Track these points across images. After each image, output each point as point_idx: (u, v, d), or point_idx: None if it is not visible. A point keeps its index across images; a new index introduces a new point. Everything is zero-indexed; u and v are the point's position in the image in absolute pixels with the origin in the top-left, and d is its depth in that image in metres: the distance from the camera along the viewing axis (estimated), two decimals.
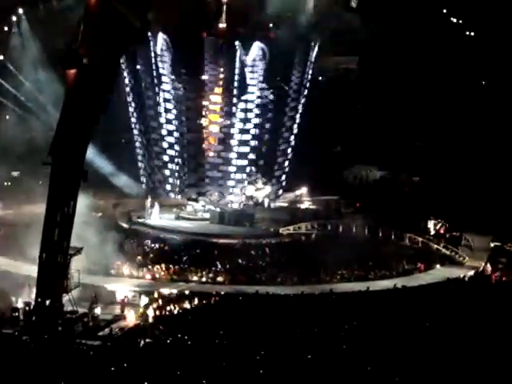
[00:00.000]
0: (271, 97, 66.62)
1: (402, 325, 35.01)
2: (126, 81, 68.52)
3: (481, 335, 32.70)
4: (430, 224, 59.71)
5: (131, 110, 69.74)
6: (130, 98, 69.35)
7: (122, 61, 61.91)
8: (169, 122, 67.30)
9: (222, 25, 65.23)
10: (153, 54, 65.95)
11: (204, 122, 66.72)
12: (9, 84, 68.31)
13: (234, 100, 65.91)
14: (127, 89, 69.08)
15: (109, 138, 63.34)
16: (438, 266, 51.77)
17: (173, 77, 65.97)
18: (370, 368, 28.93)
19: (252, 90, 65.84)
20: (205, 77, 65.46)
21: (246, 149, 67.11)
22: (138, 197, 66.40)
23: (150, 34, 62.14)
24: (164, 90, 66.66)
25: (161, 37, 64.65)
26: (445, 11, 72.30)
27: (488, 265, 51.09)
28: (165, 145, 68.32)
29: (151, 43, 65.00)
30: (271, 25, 63.83)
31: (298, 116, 69.29)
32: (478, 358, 29.75)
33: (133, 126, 70.50)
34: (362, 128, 73.24)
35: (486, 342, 31.74)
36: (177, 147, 67.64)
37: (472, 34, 72.55)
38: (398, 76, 71.48)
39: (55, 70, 50.71)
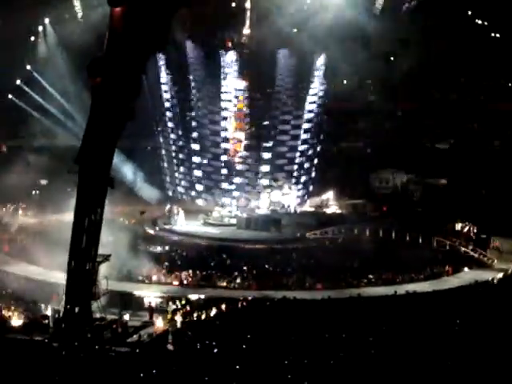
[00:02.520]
0: (295, 103, 66.59)
1: (431, 328, 34.80)
2: (152, 88, 68.91)
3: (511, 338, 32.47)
4: (458, 227, 59.34)
5: (157, 117, 70.15)
6: (155, 106, 69.76)
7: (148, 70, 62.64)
8: (194, 129, 67.55)
9: (246, 31, 65.38)
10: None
11: (230, 128, 66.88)
12: (36, 93, 69.01)
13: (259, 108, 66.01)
14: (153, 96, 69.49)
15: (133, 145, 63.89)
16: (466, 268, 51.37)
17: (199, 84, 66.30)
18: (400, 372, 28.81)
19: (276, 96, 65.84)
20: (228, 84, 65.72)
21: (272, 155, 67.17)
22: (159, 203, 66.62)
23: (177, 41, 62.42)
24: (190, 100, 67.02)
25: (188, 45, 65.07)
26: (470, 13, 71.98)
27: None
28: (190, 152, 68.58)
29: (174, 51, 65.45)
30: (295, 30, 63.87)
31: (322, 121, 69.22)
32: (509, 361, 29.53)
33: (158, 133, 70.90)
34: (388, 130, 73.13)
35: None
36: (203, 154, 67.84)
37: (498, 35, 72.13)
38: (424, 77, 71.25)
39: (81, 79, 51.09)
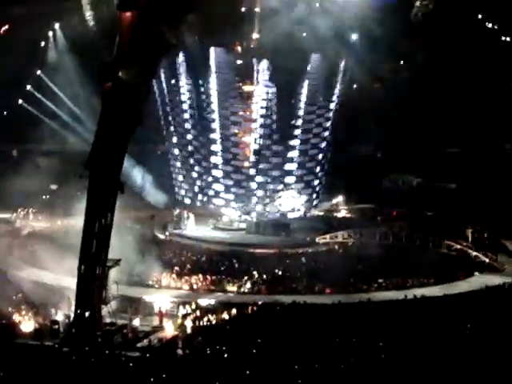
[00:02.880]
0: (305, 107, 66.52)
1: (441, 333, 34.71)
2: (163, 94, 69.14)
3: None
4: (469, 231, 59.11)
5: (167, 122, 70.26)
6: (165, 111, 69.91)
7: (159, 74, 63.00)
8: (204, 134, 67.71)
9: (256, 35, 65.36)
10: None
11: (239, 133, 66.95)
12: (46, 98, 69.20)
13: (269, 112, 66.02)
14: (163, 102, 69.66)
15: (143, 149, 63.98)
16: (476, 273, 51.17)
17: (207, 90, 66.43)
18: (410, 377, 28.74)
19: (287, 101, 65.88)
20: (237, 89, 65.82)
21: (281, 159, 67.18)
22: (169, 208, 66.56)
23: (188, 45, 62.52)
24: (198, 104, 67.25)
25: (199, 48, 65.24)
26: (480, 17, 71.81)
27: None
28: (199, 156, 68.69)
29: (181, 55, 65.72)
30: (304, 34, 63.79)
31: (332, 125, 69.18)
32: None
33: (169, 138, 70.98)
34: (398, 135, 72.95)
35: None
36: (212, 159, 67.90)
37: (508, 38, 71.94)
38: (433, 81, 71.08)
39: (91, 84, 51.25)
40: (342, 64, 66.58)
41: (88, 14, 68.64)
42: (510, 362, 29.84)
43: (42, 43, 71.76)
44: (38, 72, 70.27)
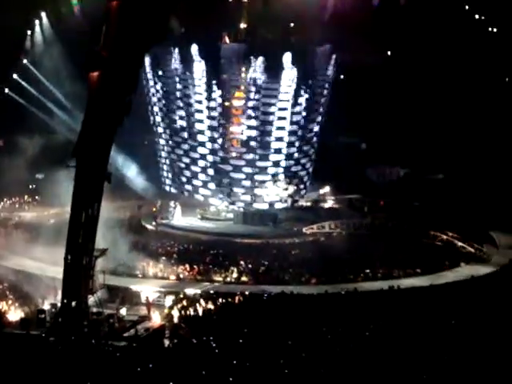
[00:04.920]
0: (293, 99, 66.48)
1: (427, 323, 34.86)
2: (150, 84, 69.02)
3: (508, 333, 32.52)
4: (455, 221, 59.17)
5: (155, 112, 70.14)
6: (153, 101, 69.79)
7: (146, 64, 62.89)
8: (191, 125, 67.66)
9: (244, 25, 65.25)
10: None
11: (226, 124, 66.87)
12: (32, 87, 68.88)
13: (256, 103, 65.97)
14: (151, 92, 69.55)
15: (130, 138, 63.75)
16: (462, 263, 51.35)
17: (195, 81, 66.28)
18: (396, 367, 28.85)
19: (274, 93, 65.87)
20: (226, 80, 65.69)
21: (269, 150, 67.18)
22: (152, 198, 66.37)
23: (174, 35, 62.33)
24: (186, 94, 67.17)
25: (185, 38, 65.06)
26: (467, 7, 71.86)
27: None
28: (187, 147, 68.64)
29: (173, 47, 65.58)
30: (292, 24, 63.76)
31: (319, 117, 69.25)
32: (506, 356, 29.57)
33: (156, 128, 70.86)
34: (385, 126, 73.02)
35: None
36: (200, 150, 67.87)
37: (495, 30, 72.05)
38: (421, 73, 71.14)
39: (78, 72, 50.97)
40: (333, 56, 66.59)
41: (75, 2, 68.28)
42: (496, 351, 30.00)
43: (28, 31, 71.37)
44: (25, 61, 69.92)
